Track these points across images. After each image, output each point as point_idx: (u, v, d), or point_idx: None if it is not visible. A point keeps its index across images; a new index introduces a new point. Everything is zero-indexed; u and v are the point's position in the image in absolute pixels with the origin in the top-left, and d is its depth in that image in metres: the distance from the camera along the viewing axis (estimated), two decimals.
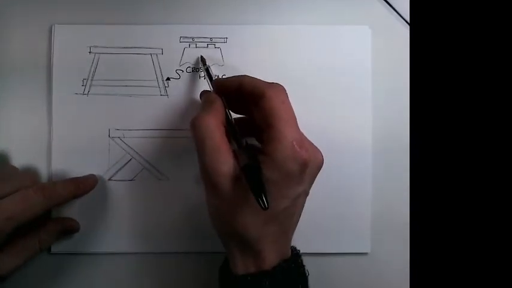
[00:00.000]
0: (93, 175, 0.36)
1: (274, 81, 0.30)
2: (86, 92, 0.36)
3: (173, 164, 0.36)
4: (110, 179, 0.36)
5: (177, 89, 0.37)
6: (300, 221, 0.36)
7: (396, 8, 0.38)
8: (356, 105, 0.37)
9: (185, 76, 0.37)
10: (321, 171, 0.36)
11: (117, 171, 0.36)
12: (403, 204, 0.37)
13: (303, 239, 0.37)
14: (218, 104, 0.30)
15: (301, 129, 0.29)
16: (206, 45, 0.37)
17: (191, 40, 0.37)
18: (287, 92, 0.30)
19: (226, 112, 0.31)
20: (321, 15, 0.38)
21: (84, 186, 0.34)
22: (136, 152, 0.36)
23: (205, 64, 0.36)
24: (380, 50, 0.38)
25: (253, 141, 0.34)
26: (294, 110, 0.36)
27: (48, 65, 0.36)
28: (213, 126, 0.29)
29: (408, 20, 0.38)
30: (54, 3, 0.37)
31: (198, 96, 0.36)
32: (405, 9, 0.38)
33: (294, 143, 0.28)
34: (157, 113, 0.36)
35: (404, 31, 0.38)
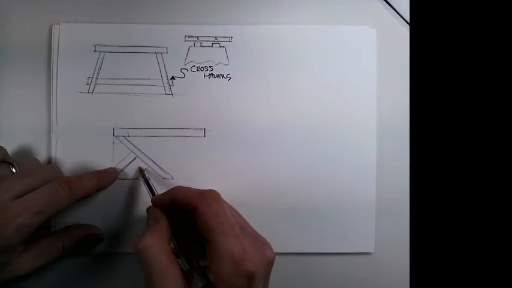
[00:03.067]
0: (113, 168, 0.36)
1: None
2: (90, 90, 0.36)
3: (177, 163, 0.36)
4: None
5: (182, 88, 0.37)
6: (303, 221, 0.37)
7: (396, 8, 0.38)
8: (360, 105, 0.37)
9: (190, 75, 0.37)
10: (324, 171, 0.37)
11: (121, 170, 0.36)
12: (407, 204, 0.37)
13: (306, 239, 0.37)
14: (162, 222, 0.30)
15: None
16: (211, 45, 0.37)
17: (196, 39, 0.37)
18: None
19: (171, 231, 0.30)
20: (320, 15, 0.38)
21: (107, 179, 0.34)
22: (141, 151, 0.36)
23: (145, 176, 0.35)
24: (380, 50, 0.38)
25: None
26: (298, 109, 0.37)
27: (53, 63, 0.36)
28: (157, 249, 0.27)
29: (408, 20, 0.38)
30: (59, 2, 0.37)
31: (203, 95, 0.37)
32: (405, 9, 0.38)
33: (235, 257, 0.27)
34: (162, 112, 0.36)
35: (404, 31, 0.38)
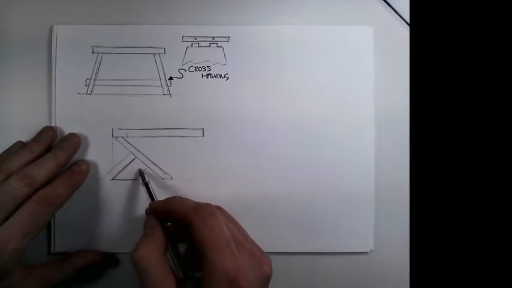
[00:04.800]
0: (82, 160, 0.35)
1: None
2: (89, 91, 0.36)
3: (176, 163, 0.37)
4: (113, 179, 0.36)
5: (180, 89, 0.37)
6: (302, 220, 0.37)
7: (396, 8, 0.38)
8: (359, 105, 0.37)
9: (188, 75, 0.37)
10: (323, 170, 0.37)
11: (120, 171, 0.36)
12: (406, 203, 0.37)
13: (304, 238, 0.37)
14: (157, 231, 0.29)
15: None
16: (208, 45, 0.37)
17: (194, 39, 0.37)
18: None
19: (168, 239, 0.29)
20: (319, 15, 0.38)
21: (80, 176, 0.34)
22: (140, 152, 0.36)
23: (145, 179, 0.34)
24: (379, 50, 0.38)
25: None
26: (296, 109, 0.37)
27: (51, 65, 0.36)
28: (152, 260, 0.27)
29: (408, 20, 0.38)
30: (57, 3, 0.37)
31: (201, 96, 0.37)
32: (405, 9, 0.38)
33: (229, 275, 0.26)
34: (160, 113, 0.36)
35: (404, 31, 0.38)
